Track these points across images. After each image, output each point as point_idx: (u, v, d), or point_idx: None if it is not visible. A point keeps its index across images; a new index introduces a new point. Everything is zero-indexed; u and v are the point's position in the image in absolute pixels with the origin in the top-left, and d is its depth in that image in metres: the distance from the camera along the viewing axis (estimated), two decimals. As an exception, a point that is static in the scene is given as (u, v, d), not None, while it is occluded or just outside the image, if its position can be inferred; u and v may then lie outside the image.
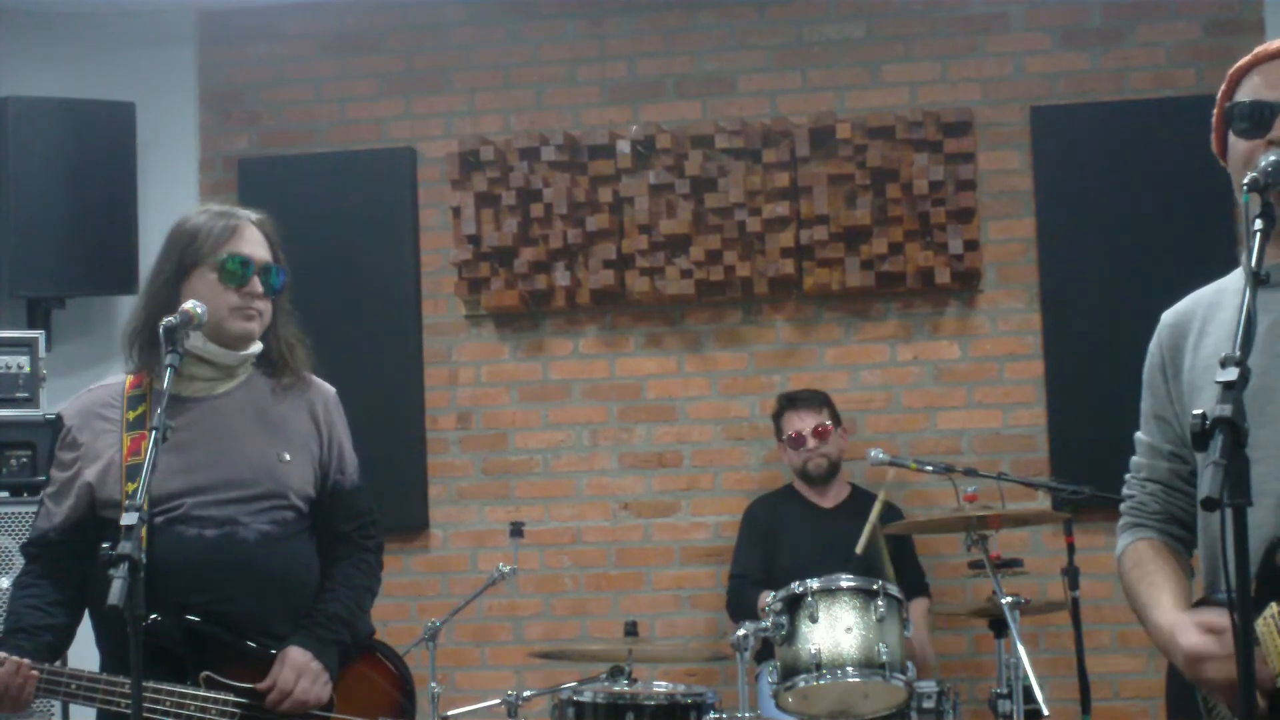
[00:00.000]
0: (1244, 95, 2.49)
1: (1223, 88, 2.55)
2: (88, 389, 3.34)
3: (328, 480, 3.34)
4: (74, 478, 3.21)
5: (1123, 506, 2.70)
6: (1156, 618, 2.51)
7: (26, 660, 3.02)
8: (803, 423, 5.64)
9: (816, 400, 5.70)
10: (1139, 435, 2.68)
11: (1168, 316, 2.66)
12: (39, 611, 3.15)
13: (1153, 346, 2.66)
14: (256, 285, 3.23)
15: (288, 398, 3.33)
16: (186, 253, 3.24)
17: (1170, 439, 2.61)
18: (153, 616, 2.97)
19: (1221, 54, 5.88)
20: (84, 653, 3.21)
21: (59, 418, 3.31)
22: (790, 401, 5.72)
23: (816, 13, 6.14)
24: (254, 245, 3.27)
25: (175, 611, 3.08)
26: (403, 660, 3.45)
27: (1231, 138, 2.50)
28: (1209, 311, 2.58)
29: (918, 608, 5.45)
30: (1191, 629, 2.41)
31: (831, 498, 5.70)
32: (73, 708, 5.03)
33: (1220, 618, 2.29)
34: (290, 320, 3.38)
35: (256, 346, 3.31)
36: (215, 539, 3.15)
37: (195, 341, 3.15)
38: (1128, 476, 2.71)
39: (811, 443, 5.61)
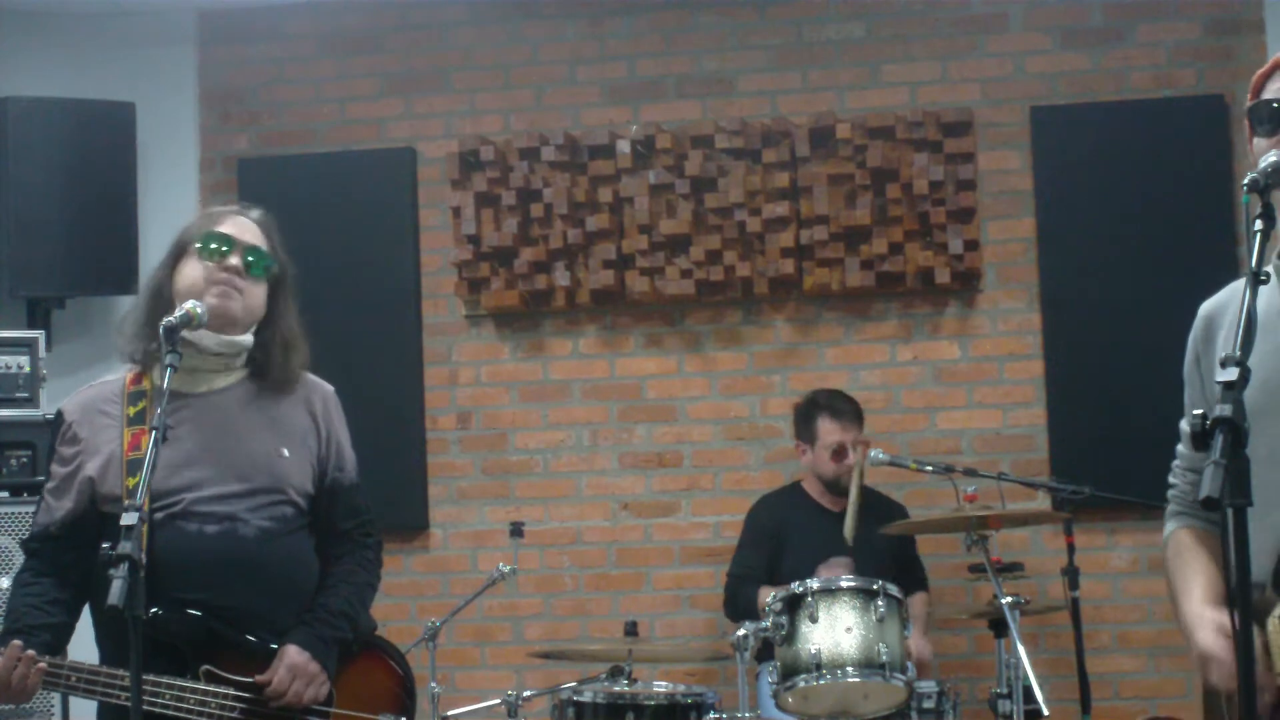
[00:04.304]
0: (1268, 95, 2.53)
1: (1250, 91, 2.58)
2: (88, 385, 3.34)
3: (326, 477, 3.34)
4: (75, 472, 3.21)
5: (1169, 494, 2.75)
6: (1185, 607, 2.55)
7: (31, 650, 3.03)
8: (846, 435, 5.50)
9: (858, 414, 5.58)
10: (1182, 424, 2.71)
11: (1203, 309, 2.68)
12: (38, 611, 3.16)
13: (1190, 339, 2.68)
14: (234, 260, 3.22)
15: (285, 396, 3.32)
16: (178, 243, 3.29)
17: None
18: (153, 610, 2.98)
19: (1221, 54, 5.89)
20: (84, 646, 3.22)
21: (59, 413, 3.31)
22: (833, 411, 5.54)
23: (816, 13, 6.13)
24: (239, 230, 3.27)
25: (176, 606, 3.09)
26: (404, 657, 3.46)
27: (1255, 138, 2.53)
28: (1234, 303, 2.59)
29: (915, 603, 5.42)
30: (1209, 627, 2.44)
31: (841, 500, 5.57)
32: (72, 704, 5.05)
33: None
34: (291, 320, 3.35)
35: (246, 339, 3.27)
36: (216, 535, 3.15)
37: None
38: (1173, 464, 2.75)
39: (852, 457, 5.47)
